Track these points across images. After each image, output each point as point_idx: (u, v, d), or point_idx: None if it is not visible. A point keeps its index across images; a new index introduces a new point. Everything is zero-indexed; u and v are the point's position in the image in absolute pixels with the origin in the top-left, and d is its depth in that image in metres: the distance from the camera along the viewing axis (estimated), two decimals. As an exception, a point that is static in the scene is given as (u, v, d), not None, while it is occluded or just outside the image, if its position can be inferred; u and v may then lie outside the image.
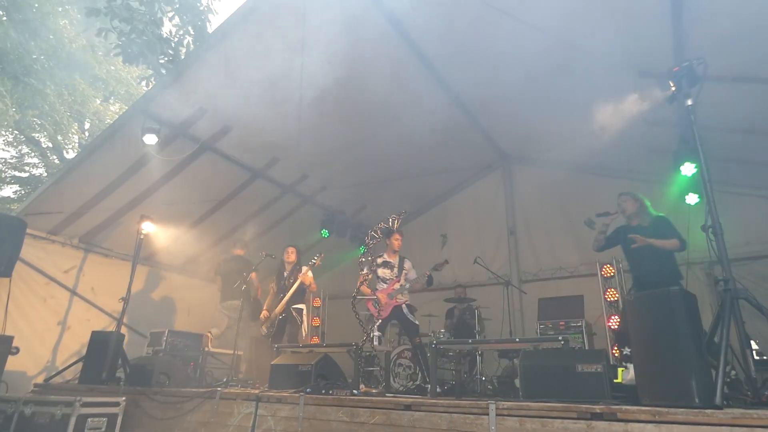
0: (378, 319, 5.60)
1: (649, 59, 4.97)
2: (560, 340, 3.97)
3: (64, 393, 5.04)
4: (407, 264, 5.90)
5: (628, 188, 7.22)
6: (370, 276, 5.90)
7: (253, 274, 7.25)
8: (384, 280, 5.78)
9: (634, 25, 4.64)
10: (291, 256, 6.72)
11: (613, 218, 4.93)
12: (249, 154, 6.89)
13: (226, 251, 7.84)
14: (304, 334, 6.38)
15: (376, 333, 5.51)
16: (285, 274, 6.66)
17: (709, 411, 2.42)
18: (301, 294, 6.49)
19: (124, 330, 6.16)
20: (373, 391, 4.72)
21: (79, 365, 5.83)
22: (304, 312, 6.47)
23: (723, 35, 4.29)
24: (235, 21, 5.04)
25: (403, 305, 5.66)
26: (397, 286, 5.67)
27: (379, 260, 5.92)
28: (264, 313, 6.51)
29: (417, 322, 5.70)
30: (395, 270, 5.79)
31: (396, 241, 5.88)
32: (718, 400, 2.50)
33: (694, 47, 4.39)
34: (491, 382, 5.91)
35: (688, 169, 5.93)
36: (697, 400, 2.54)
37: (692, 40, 4.42)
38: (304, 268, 6.48)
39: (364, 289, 5.83)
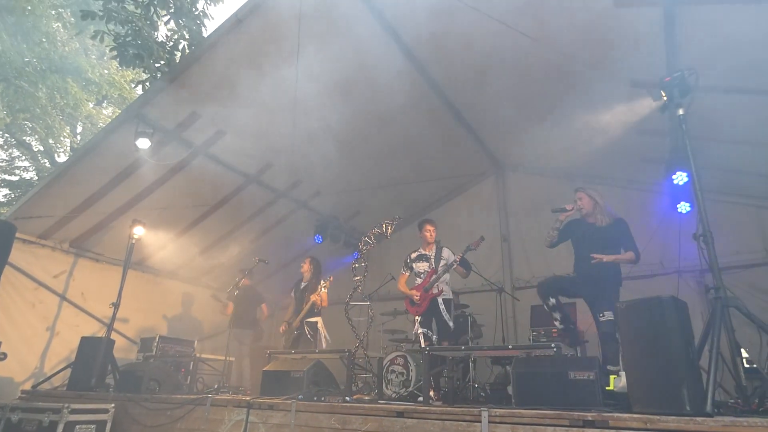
0: (417, 317, 5.39)
1: (641, 69, 5.02)
2: (553, 348, 3.97)
3: (51, 399, 4.98)
4: (446, 252, 5.61)
5: (620, 197, 7.34)
6: (408, 275, 5.73)
7: (264, 305, 7.61)
8: (420, 275, 5.58)
9: (626, 35, 4.69)
10: (304, 266, 6.77)
11: (569, 215, 4.84)
12: (242, 159, 6.88)
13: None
14: (324, 346, 6.24)
15: (421, 330, 5.31)
16: (302, 285, 6.70)
17: (699, 418, 2.43)
18: (313, 307, 6.46)
19: (114, 336, 6.10)
20: (366, 397, 4.69)
21: (68, 371, 5.76)
22: (319, 324, 6.37)
23: (714, 46, 4.35)
24: (230, 26, 5.05)
25: (440, 298, 5.39)
26: (433, 277, 5.44)
27: (414, 255, 5.72)
28: (282, 327, 6.56)
29: (451, 324, 5.38)
30: (432, 261, 5.57)
31: (427, 232, 5.69)
32: (708, 407, 2.52)
33: (685, 58, 4.45)
34: (484, 389, 5.89)
35: (680, 177, 5.99)
36: (688, 408, 2.55)
37: (684, 51, 4.48)
38: (322, 283, 6.48)
39: (403, 288, 5.66)
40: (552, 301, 4.60)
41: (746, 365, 5.46)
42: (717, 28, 4.19)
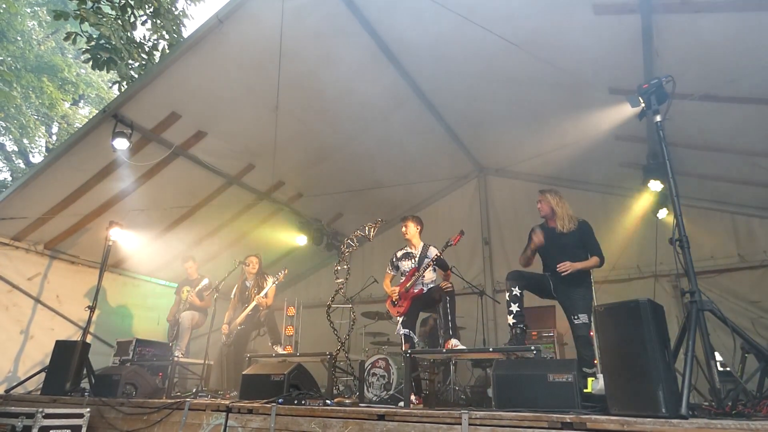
0: (399, 317, 5.24)
1: (619, 76, 5.10)
2: (532, 350, 4.01)
3: (25, 404, 4.85)
4: (432, 251, 5.43)
5: (599, 201, 7.46)
6: (394, 275, 5.61)
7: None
8: (404, 274, 5.44)
9: (605, 42, 4.76)
10: (253, 266, 6.75)
11: (536, 243, 4.77)
12: (224, 161, 6.81)
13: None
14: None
15: (402, 332, 5.17)
16: (247, 283, 6.70)
17: (675, 420, 2.47)
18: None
19: (90, 339, 5.98)
20: (347, 401, 4.67)
21: (42, 375, 5.62)
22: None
23: (691, 54, 4.44)
24: (211, 26, 5.00)
25: (424, 292, 5.24)
26: (414, 275, 5.28)
27: (399, 253, 5.58)
28: (224, 327, 6.54)
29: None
30: (416, 260, 5.42)
31: (404, 228, 5.51)
32: (684, 410, 2.55)
33: (663, 65, 4.54)
34: (464, 392, 5.91)
35: (657, 183, 6.10)
36: (663, 410, 2.59)
37: (661, 59, 4.56)
38: (270, 279, 6.58)
39: (387, 287, 5.51)
40: (516, 291, 4.52)
41: (720, 368, 5.56)
42: (693, 37, 4.29)
